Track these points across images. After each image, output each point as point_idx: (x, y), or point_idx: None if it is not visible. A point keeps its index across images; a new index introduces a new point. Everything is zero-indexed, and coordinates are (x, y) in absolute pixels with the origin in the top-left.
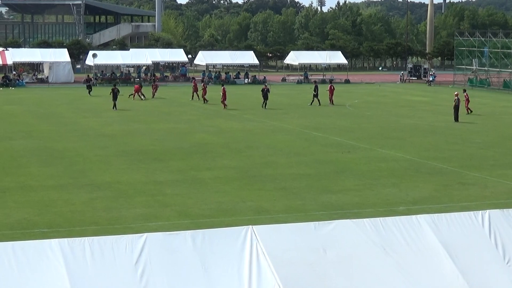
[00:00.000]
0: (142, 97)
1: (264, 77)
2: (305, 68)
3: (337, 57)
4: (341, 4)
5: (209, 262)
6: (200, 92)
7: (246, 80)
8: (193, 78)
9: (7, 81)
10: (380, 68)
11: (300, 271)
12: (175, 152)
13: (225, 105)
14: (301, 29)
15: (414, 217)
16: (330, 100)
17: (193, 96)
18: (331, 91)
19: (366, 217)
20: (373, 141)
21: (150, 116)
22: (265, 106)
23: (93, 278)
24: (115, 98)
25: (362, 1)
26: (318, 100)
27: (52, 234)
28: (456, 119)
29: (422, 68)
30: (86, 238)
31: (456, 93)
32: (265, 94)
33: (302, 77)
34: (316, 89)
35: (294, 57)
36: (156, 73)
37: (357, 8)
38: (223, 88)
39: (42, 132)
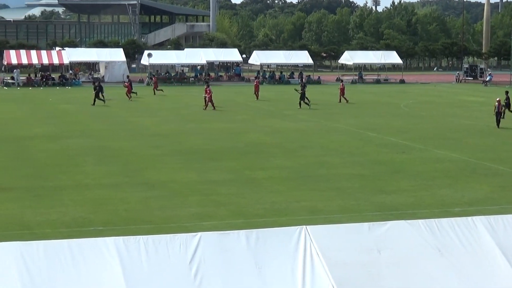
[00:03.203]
0: (129, 97)
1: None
2: (360, 68)
3: (392, 57)
4: (396, 3)
5: (262, 262)
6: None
7: (300, 80)
8: (255, 78)
9: (64, 80)
10: (435, 69)
11: (354, 272)
12: (229, 152)
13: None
14: (356, 28)
15: (470, 218)
16: (342, 98)
17: (256, 96)
18: (342, 90)
19: (421, 218)
20: (428, 141)
21: (204, 115)
22: (300, 105)
23: (148, 276)
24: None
25: (417, 1)
26: (306, 102)
27: (107, 232)
28: (498, 124)
29: (478, 68)
30: (141, 236)
31: (498, 99)
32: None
33: (357, 77)
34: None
35: (349, 57)
36: (211, 73)
37: (412, 8)
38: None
39: (97, 131)
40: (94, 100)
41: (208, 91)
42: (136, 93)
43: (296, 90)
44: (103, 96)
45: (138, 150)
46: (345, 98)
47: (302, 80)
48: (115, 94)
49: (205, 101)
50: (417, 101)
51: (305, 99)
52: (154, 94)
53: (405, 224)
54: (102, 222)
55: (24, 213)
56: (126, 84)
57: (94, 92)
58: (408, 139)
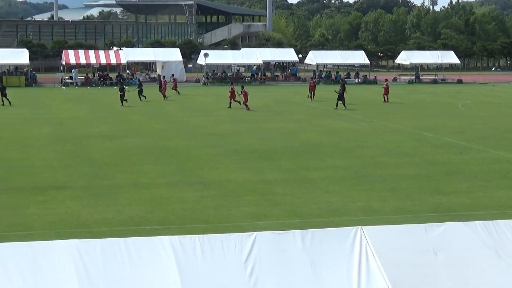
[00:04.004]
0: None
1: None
2: (417, 68)
3: (449, 57)
4: (453, 3)
5: (318, 262)
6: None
7: (356, 80)
8: (311, 78)
9: (121, 80)
10: (493, 69)
11: (410, 273)
12: (285, 151)
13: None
14: (413, 28)
15: None
16: (384, 97)
17: (311, 96)
18: (386, 89)
19: (477, 219)
20: (486, 142)
21: (260, 115)
22: (337, 106)
23: (203, 275)
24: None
25: (476, 0)
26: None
27: (163, 231)
28: None
29: None
30: (197, 235)
31: None
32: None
33: (414, 77)
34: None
35: (405, 57)
36: (267, 73)
37: (470, 7)
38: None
39: (154, 130)
40: (141, 97)
41: (231, 89)
42: (145, 96)
43: (336, 91)
44: (143, 96)
45: (194, 150)
46: (386, 98)
47: (342, 80)
48: (169, 93)
49: (232, 101)
50: (474, 101)
51: (343, 100)
52: (178, 93)
53: (462, 226)
54: (158, 221)
55: (82, 212)
56: (163, 82)
57: (137, 91)
58: (465, 140)
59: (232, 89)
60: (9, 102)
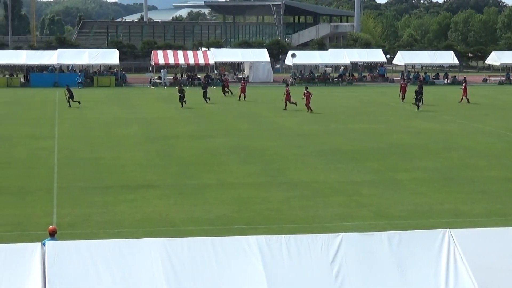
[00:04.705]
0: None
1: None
2: (507, 69)
3: None
4: None
5: (405, 264)
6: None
7: (445, 81)
8: (403, 79)
9: (209, 80)
10: None
11: (499, 277)
12: (372, 152)
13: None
14: (504, 28)
15: None
16: (463, 98)
17: (401, 97)
18: (465, 89)
19: None
20: None
21: (347, 116)
22: (418, 107)
23: (289, 275)
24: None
25: None
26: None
27: (249, 230)
28: None
29: None
30: (283, 236)
31: None
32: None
33: (504, 78)
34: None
35: (496, 58)
36: (354, 73)
37: None
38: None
39: (240, 130)
40: (206, 99)
41: (287, 91)
42: (209, 98)
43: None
44: (207, 97)
45: (280, 150)
46: (466, 98)
47: (419, 81)
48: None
49: (288, 102)
50: None
51: (421, 100)
52: (231, 94)
53: None
54: (245, 221)
55: (170, 210)
56: (242, 83)
57: (202, 91)
58: None
59: (287, 90)
60: (78, 102)
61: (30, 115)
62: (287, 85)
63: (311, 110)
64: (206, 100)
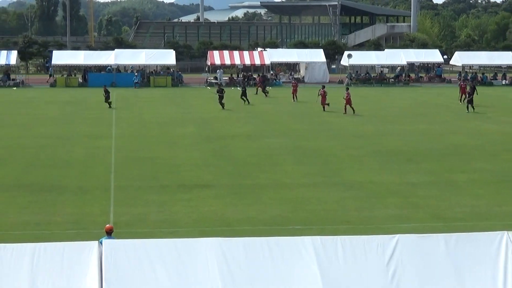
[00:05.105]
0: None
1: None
2: None
3: None
4: None
5: (461, 267)
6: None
7: (503, 82)
8: (462, 80)
9: (264, 80)
10: None
11: None
12: (429, 154)
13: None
14: None
15: None
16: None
17: (461, 99)
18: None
19: None
20: None
21: (403, 117)
22: (468, 108)
23: (345, 276)
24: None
25: None
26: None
27: (305, 231)
28: None
29: None
30: (339, 237)
31: None
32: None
33: None
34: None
35: None
36: (411, 74)
37: None
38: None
39: (296, 130)
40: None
41: (323, 92)
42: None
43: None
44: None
45: (336, 151)
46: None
47: (471, 82)
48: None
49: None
50: None
51: (472, 102)
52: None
53: None
54: (300, 221)
55: (225, 210)
56: (293, 83)
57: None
58: None
59: (324, 92)
60: (109, 104)
61: (88, 115)
62: (348, 89)
63: (353, 110)
64: (246, 101)
